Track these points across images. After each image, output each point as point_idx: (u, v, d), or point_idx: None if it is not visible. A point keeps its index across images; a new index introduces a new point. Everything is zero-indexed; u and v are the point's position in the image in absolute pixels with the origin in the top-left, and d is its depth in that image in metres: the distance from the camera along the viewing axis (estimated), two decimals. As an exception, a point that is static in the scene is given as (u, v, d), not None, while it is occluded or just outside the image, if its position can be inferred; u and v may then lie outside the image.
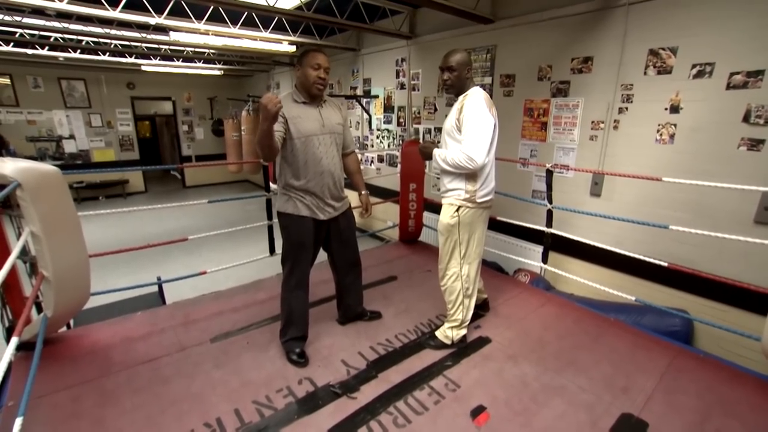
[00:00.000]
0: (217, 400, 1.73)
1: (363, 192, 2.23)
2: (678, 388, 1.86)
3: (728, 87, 2.41)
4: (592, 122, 3.12)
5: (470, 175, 1.96)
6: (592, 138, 3.15)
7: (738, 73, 2.36)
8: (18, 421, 1.19)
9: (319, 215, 1.99)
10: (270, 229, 3.33)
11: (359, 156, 5.77)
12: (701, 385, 1.89)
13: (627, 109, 2.90)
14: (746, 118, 2.36)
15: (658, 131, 2.76)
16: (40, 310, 2.06)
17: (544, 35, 3.33)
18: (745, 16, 2.31)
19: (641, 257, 2.52)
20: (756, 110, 2.32)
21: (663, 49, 2.66)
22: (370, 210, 2.23)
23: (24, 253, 1.95)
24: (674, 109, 2.66)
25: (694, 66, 2.53)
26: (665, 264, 2.41)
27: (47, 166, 1.76)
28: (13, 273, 1.91)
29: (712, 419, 1.67)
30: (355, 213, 2.27)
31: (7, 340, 1.93)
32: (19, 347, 1.81)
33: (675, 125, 2.68)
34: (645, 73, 2.77)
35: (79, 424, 1.57)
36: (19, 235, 1.90)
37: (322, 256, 2.21)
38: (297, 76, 1.92)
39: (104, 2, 3.43)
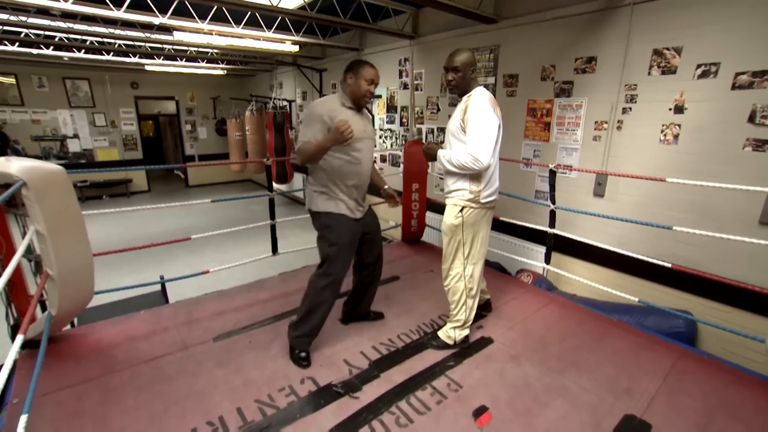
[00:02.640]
0: (220, 398, 1.74)
1: (386, 186, 2.28)
2: (681, 390, 1.85)
3: (733, 87, 2.39)
4: (596, 122, 3.11)
5: (474, 176, 1.95)
6: (595, 138, 3.14)
7: (743, 73, 2.35)
8: (23, 419, 1.19)
9: (356, 214, 2.05)
10: (273, 228, 3.34)
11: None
12: (705, 386, 1.88)
13: (631, 109, 2.89)
14: (752, 119, 2.34)
15: (662, 132, 2.75)
16: (44, 308, 2.07)
17: (547, 35, 3.32)
18: (751, 15, 2.29)
19: (645, 258, 2.51)
20: (762, 110, 2.30)
21: (667, 49, 2.64)
22: (398, 199, 2.26)
23: (29, 251, 1.97)
24: (679, 109, 2.65)
25: (699, 66, 2.52)
26: (669, 265, 2.40)
27: (52, 165, 1.77)
28: (18, 271, 1.92)
29: (716, 421, 1.66)
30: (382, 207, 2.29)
31: (12, 338, 1.95)
32: (24, 345, 1.81)
33: (679, 126, 2.66)
34: (649, 74, 2.75)
35: (83, 422, 1.58)
36: (24, 234, 1.91)
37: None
38: (348, 83, 1.96)
39: (108, 2, 3.45)
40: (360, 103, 2.00)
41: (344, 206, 1.99)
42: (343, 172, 1.97)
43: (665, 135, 2.74)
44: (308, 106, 1.95)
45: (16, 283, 1.95)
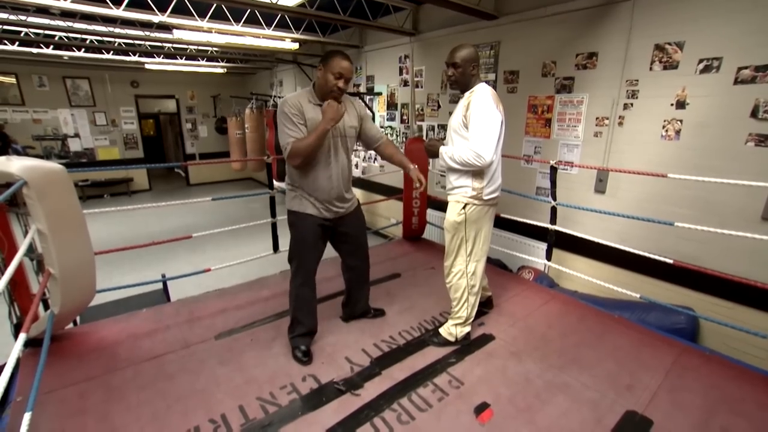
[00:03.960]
0: (222, 396, 1.75)
1: (412, 167, 2.09)
2: (683, 386, 1.85)
3: (736, 82, 2.38)
4: (597, 118, 3.10)
5: (477, 173, 1.95)
6: (596, 134, 3.12)
7: (746, 67, 2.33)
8: (26, 416, 1.20)
9: (325, 214, 1.99)
10: (274, 226, 3.34)
11: (362, 155, 5.77)
12: (706, 382, 1.88)
13: (632, 105, 2.88)
14: (754, 114, 2.33)
15: (663, 127, 2.73)
16: (47, 307, 2.08)
17: (548, 31, 3.31)
18: (754, 9, 2.28)
19: (646, 254, 2.51)
20: (764, 105, 2.29)
21: (669, 43, 2.63)
22: (423, 181, 2.05)
23: (31, 250, 1.98)
24: (680, 104, 2.63)
25: (701, 61, 2.50)
26: (671, 261, 2.39)
27: (53, 165, 1.77)
28: (20, 270, 1.93)
29: (718, 417, 1.66)
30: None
31: (15, 337, 1.96)
32: (27, 344, 1.83)
33: (681, 121, 2.65)
34: (651, 69, 2.74)
35: (86, 419, 1.59)
36: (25, 233, 1.92)
37: (331, 252, 2.21)
38: (318, 76, 1.85)
39: (108, 1, 3.44)
40: (327, 99, 1.83)
41: (310, 205, 1.95)
42: (308, 172, 1.89)
43: (667, 130, 2.72)
44: (279, 107, 1.83)
45: (18, 281, 1.95)
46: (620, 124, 2.97)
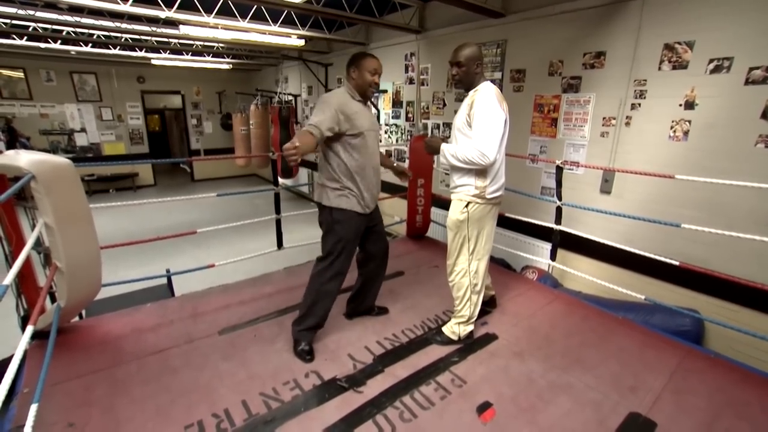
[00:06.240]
0: (225, 391, 1.76)
1: (395, 164, 2.38)
2: (687, 389, 1.84)
3: (747, 82, 2.35)
4: (604, 118, 3.07)
5: (480, 171, 1.94)
6: (603, 134, 3.10)
7: (757, 68, 2.30)
8: (33, 408, 1.21)
9: (366, 210, 2.05)
10: (278, 223, 3.35)
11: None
12: (711, 385, 1.87)
13: (640, 105, 2.85)
14: (765, 115, 2.30)
15: (671, 128, 2.71)
16: (53, 300, 2.10)
17: (555, 29, 3.28)
18: (767, 8, 2.24)
19: (652, 256, 2.49)
20: (775, 107, 2.26)
21: (679, 43, 2.60)
22: (409, 172, 2.41)
23: (38, 244, 2.00)
24: (689, 105, 2.61)
25: (711, 61, 2.47)
26: (676, 263, 2.37)
27: (60, 159, 1.79)
28: (27, 263, 1.94)
29: (722, 420, 1.65)
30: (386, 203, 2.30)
31: (23, 329, 1.98)
32: (34, 336, 1.84)
33: (689, 122, 2.62)
34: (659, 69, 2.71)
35: (91, 411, 1.61)
36: (33, 227, 1.94)
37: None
38: (353, 77, 2.00)
39: (115, -4, 3.45)
40: (366, 95, 2.04)
41: (356, 202, 2.00)
42: (355, 167, 1.98)
43: (675, 131, 2.70)
44: (322, 96, 1.98)
45: (26, 274, 1.97)
46: (627, 124, 2.94)
